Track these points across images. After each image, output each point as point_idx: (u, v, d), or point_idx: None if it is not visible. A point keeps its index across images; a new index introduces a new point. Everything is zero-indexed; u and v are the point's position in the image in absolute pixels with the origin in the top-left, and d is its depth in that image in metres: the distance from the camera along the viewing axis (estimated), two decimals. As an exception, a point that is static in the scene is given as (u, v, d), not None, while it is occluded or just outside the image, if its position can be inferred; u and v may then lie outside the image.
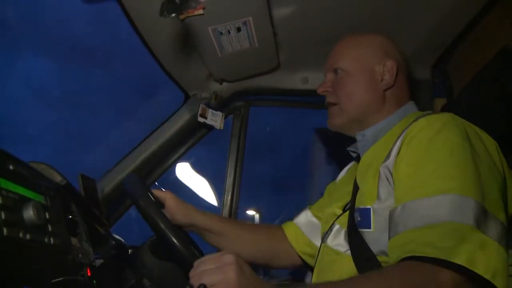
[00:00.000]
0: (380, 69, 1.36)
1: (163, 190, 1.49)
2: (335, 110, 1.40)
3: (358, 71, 1.37)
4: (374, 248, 1.14)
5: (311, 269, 1.57)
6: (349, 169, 1.59)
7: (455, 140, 1.04)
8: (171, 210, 1.44)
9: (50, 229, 0.92)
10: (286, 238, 1.64)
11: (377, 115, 1.36)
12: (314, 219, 1.61)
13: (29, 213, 0.82)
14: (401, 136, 1.15)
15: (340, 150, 1.59)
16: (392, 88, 1.36)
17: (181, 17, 1.58)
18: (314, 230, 1.58)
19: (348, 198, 1.33)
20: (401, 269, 0.93)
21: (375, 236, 1.14)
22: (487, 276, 0.87)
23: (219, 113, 2.19)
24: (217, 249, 1.61)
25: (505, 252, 0.93)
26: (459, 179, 0.98)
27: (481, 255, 0.88)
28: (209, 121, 2.15)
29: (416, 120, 1.15)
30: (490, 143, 1.13)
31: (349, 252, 1.23)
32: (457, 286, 0.88)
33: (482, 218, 0.93)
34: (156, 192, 1.45)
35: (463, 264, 0.86)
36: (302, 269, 1.71)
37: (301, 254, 1.61)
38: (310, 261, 1.59)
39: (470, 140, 1.06)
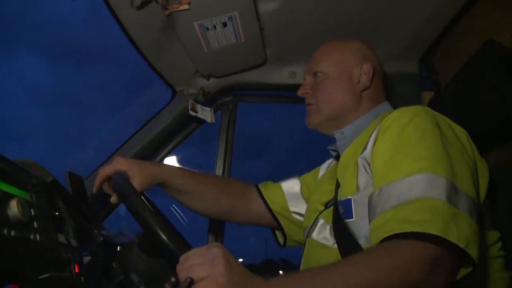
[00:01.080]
0: (358, 72, 1.44)
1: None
2: (313, 109, 1.48)
3: (337, 74, 1.45)
4: (359, 236, 1.18)
5: (281, 231, 1.70)
6: (329, 166, 1.64)
7: (425, 126, 1.11)
8: (136, 177, 1.40)
9: (35, 225, 0.91)
10: (259, 197, 1.70)
11: (354, 114, 1.44)
12: (301, 194, 1.68)
13: (13, 210, 0.82)
14: (376, 129, 1.22)
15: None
16: (368, 89, 1.45)
17: (166, 12, 1.57)
18: (297, 202, 1.66)
19: (330, 196, 1.38)
20: (382, 249, 0.96)
21: (358, 224, 1.18)
22: (461, 245, 0.91)
23: (208, 109, 2.19)
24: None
25: (476, 225, 0.98)
26: (430, 159, 1.04)
27: (453, 226, 0.93)
28: (200, 115, 2.14)
29: (390, 113, 1.21)
30: (461, 131, 1.20)
31: (336, 245, 1.26)
32: (437, 259, 0.92)
33: (453, 194, 0.99)
34: (117, 164, 1.41)
35: (438, 234, 0.91)
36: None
37: (278, 215, 1.67)
38: (285, 223, 1.67)
39: (439, 126, 1.13)
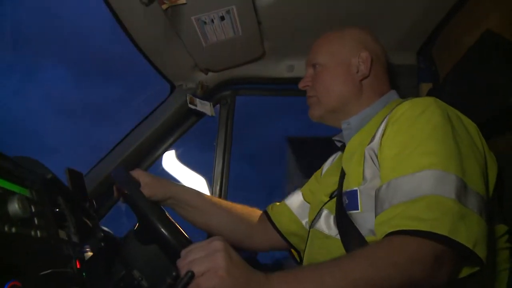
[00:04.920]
0: (356, 61, 1.42)
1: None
2: (314, 101, 1.47)
3: (334, 65, 1.44)
4: (363, 228, 1.17)
5: (295, 250, 1.64)
6: (334, 159, 1.62)
7: (437, 119, 1.08)
8: (148, 186, 1.45)
9: (36, 222, 0.91)
10: (267, 221, 1.68)
11: (356, 104, 1.41)
12: (306, 202, 1.65)
13: (14, 207, 0.82)
14: (385, 119, 1.19)
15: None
16: (368, 78, 1.42)
17: (164, 6, 1.56)
18: (305, 212, 1.62)
19: (334, 187, 1.36)
20: (386, 244, 0.95)
21: (363, 216, 1.17)
22: (468, 245, 0.90)
23: (207, 102, 2.19)
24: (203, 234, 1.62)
25: (485, 224, 0.97)
26: (441, 155, 1.01)
27: (462, 226, 0.92)
28: (199, 108, 2.14)
29: (399, 104, 1.19)
30: (471, 125, 1.17)
31: (338, 236, 1.25)
32: (440, 257, 0.91)
33: (462, 192, 0.97)
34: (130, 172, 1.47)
35: (446, 234, 0.90)
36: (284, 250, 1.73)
37: (287, 235, 1.65)
38: (296, 241, 1.63)
39: (451, 121, 1.10)
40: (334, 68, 1.44)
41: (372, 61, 1.42)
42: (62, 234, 1.05)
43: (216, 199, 1.78)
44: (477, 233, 0.93)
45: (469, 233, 0.92)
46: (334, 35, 1.49)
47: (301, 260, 1.59)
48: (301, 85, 1.52)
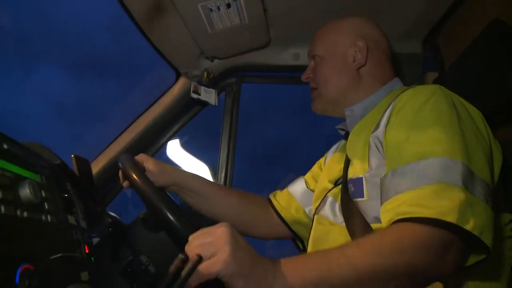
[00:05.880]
0: (352, 50, 1.43)
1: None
2: (315, 94, 1.49)
3: (331, 56, 1.46)
4: (369, 216, 1.17)
5: (298, 238, 1.66)
6: (338, 147, 1.63)
7: (442, 107, 1.08)
8: (153, 171, 1.46)
9: (46, 207, 0.92)
10: (270, 208, 1.69)
11: (356, 93, 1.42)
12: (309, 189, 1.66)
13: (25, 192, 0.83)
14: (389, 107, 1.19)
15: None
16: (366, 66, 1.43)
17: (171, -6, 1.57)
18: (309, 199, 1.63)
19: (339, 174, 1.37)
20: (392, 232, 0.95)
21: (369, 203, 1.18)
22: (475, 233, 0.91)
23: (212, 90, 2.19)
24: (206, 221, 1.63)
25: (491, 211, 0.97)
26: (447, 142, 1.01)
27: (469, 213, 0.92)
28: (202, 97, 2.14)
29: (404, 91, 1.19)
30: (475, 112, 1.17)
31: (343, 223, 1.26)
32: (447, 245, 0.92)
33: (469, 179, 0.97)
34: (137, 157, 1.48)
35: (454, 222, 0.90)
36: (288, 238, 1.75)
37: (291, 223, 1.66)
38: (300, 229, 1.65)
39: (456, 108, 1.10)
40: (331, 58, 1.45)
41: (368, 50, 1.42)
42: (71, 219, 1.07)
43: (220, 186, 1.78)
44: (484, 221, 0.94)
45: (476, 220, 0.92)
46: (331, 26, 1.50)
47: (305, 248, 1.60)
48: (303, 78, 1.54)
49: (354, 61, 1.42)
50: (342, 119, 1.48)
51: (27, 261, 0.75)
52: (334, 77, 1.44)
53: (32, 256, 0.78)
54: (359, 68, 1.42)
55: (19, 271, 0.71)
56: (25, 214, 0.81)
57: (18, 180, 0.84)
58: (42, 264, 0.81)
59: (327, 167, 1.58)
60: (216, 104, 2.23)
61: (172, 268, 0.81)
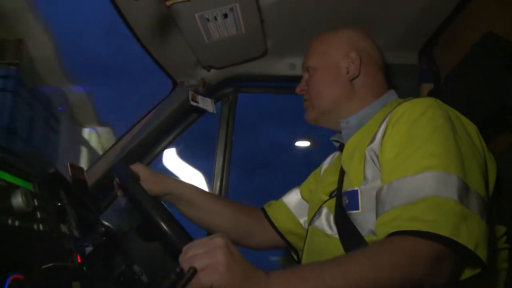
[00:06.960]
0: (345, 62, 1.43)
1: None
2: (308, 104, 1.50)
3: (324, 67, 1.45)
4: (363, 228, 1.17)
5: (293, 249, 1.64)
6: (333, 158, 1.63)
7: (438, 120, 1.09)
8: (147, 180, 1.46)
9: (39, 216, 0.92)
10: (265, 219, 1.68)
11: (350, 105, 1.42)
12: (304, 200, 1.66)
13: (17, 200, 0.82)
14: (385, 120, 1.19)
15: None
16: (360, 77, 1.42)
17: (167, 3, 1.57)
18: (303, 210, 1.61)
19: (334, 186, 1.36)
20: (386, 245, 0.95)
21: (364, 216, 1.17)
22: (470, 246, 0.91)
23: (209, 99, 2.19)
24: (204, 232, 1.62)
25: (486, 225, 0.97)
26: (442, 156, 1.01)
27: (463, 227, 0.92)
28: (201, 105, 2.14)
29: (400, 104, 1.19)
30: (470, 126, 1.18)
31: (337, 235, 1.25)
32: (441, 258, 0.92)
33: (464, 193, 0.97)
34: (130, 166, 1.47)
35: (448, 236, 0.90)
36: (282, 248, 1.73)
37: (285, 233, 1.64)
38: (294, 240, 1.63)
39: (452, 122, 1.10)
40: (324, 70, 1.45)
41: (362, 61, 1.42)
42: (63, 228, 1.06)
43: (215, 196, 1.78)
44: (478, 234, 0.94)
45: (470, 234, 0.92)
46: (324, 38, 1.51)
47: (299, 259, 1.59)
48: (297, 90, 1.54)
49: (347, 72, 1.42)
50: (336, 131, 1.48)
51: (17, 270, 0.74)
52: (327, 89, 1.44)
53: (23, 266, 0.78)
54: (352, 79, 1.42)
55: (8, 281, 0.71)
56: (16, 222, 0.81)
57: (11, 188, 0.84)
58: (32, 274, 0.80)
59: (322, 178, 1.58)
60: (215, 112, 2.23)
61: (167, 284, 0.81)
